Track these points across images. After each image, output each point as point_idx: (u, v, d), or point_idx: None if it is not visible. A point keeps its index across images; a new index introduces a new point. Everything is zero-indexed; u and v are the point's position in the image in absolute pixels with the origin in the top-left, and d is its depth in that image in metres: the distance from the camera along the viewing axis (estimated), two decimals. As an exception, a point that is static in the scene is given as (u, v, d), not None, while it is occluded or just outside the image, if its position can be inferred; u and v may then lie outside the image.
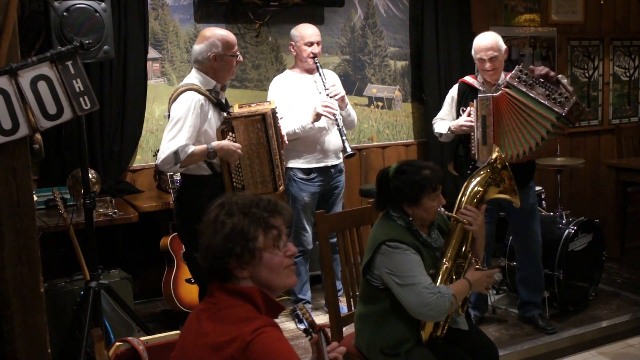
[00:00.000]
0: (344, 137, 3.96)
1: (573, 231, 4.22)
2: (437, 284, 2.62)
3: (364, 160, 5.54)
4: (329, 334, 2.03)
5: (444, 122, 4.06)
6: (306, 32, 4.13)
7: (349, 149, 3.93)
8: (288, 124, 3.99)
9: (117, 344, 2.36)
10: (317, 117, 3.98)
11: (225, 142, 3.30)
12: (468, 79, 4.04)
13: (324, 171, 4.20)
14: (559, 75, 3.66)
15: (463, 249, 2.74)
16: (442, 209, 2.71)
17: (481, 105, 3.77)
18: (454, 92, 4.09)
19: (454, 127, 3.94)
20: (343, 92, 4.10)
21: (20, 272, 2.52)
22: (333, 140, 4.17)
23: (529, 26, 6.24)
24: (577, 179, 6.63)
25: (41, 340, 2.59)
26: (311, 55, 4.10)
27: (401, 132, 5.70)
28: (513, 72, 3.72)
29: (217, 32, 3.36)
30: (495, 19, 6.07)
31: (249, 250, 1.76)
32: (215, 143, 3.27)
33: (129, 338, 2.37)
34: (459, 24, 5.67)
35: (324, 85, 4.05)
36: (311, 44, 4.11)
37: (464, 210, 2.74)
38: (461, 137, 4.02)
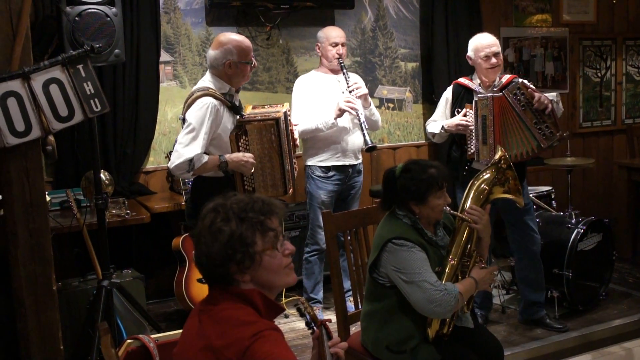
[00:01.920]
0: (365, 132, 4.02)
1: (582, 231, 4.22)
2: (443, 282, 2.66)
3: (375, 161, 5.58)
4: (330, 329, 2.04)
5: (437, 123, 4.06)
6: (331, 33, 4.25)
7: (369, 141, 4.00)
8: (311, 121, 4.09)
9: (129, 341, 2.40)
10: (340, 112, 4.04)
11: (236, 155, 3.33)
12: (463, 80, 4.06)
13: (342, 170, 4.25)
14: (553, 95, 3.78)
15: (468, 247, 2.76)
16: (448, 208, 2.74)
17: (481, 105, 3.80)
18: (448, 93, 4.10)
19: (448, 125, 3.93)
20: (366, 91, 4.17)
21: (34, 270, 2.59)
22: (353, 140, 4.24)
23: (540, 26, 6.23)
24: (590, 178, 6.61)
25: (54, 337, 2.65)
26: (336, 55, 4.20)
27: (412, 133, 5.72)
28: (512, 85, 3.81)
29: (233, 38, 3.38)
30: (506, 20, 6.07)
31: (249, 256, 1.77)
32: (228, 155, 3.32)
33: (140, 336, 2.42)
34: (469, 25, 5.68)
35: (347, 84, 4.13)
36: (336, 44, 4.21)
37: (470, 210, 2.77)
38: (454, 138, 4.03)
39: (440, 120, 4.07)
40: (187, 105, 3.35)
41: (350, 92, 4.09)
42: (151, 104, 4.68)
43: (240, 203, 1.82)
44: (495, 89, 3.90)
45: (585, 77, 6.52)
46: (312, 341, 1.99)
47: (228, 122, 3.40)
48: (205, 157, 3.26)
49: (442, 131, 3.97)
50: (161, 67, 4.75)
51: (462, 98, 3.99)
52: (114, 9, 3.31)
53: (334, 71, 4.28)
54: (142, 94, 4.62)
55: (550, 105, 3.71)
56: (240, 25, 5.00)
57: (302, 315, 2.00)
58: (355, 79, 4.30)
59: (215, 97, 3.31)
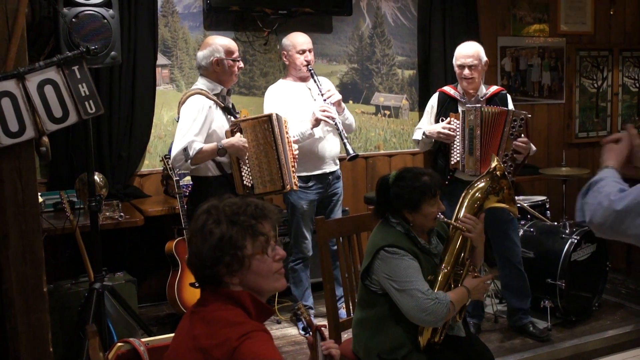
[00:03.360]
0: (345, 140, 3.96)
1: (576, 241, 4.21)
2: (436, 290, 2.65)
3: (371, 168, 5.57)
4: (325, 333, 2.05)
5: (420, 130, 4.04)
6: (298, 40, 4.16)
7: (351, 151, 3.93)
8: None
9: (119, 344, 2.39)
10: (317, 122, 3.98)
11: (235, 139, 3.45)
12: (447, 89, 4.05)
13: (322, 178, 4.20)
14: (534, 149, 3.84)
15: (461, 256, 2.76)
16: (442, 216, 2.74)
17: (468, 116, 3.79)
18: (433, 101, 4.08)
19: (429, 132, 3.92)
20: (339, 97, 4.11)
21: (24, 271, 2.58)
22: (329, 146, 4.20)
23: (538, 36, 6.25)
24: (585, 189, 6.60)
25: (43, 339, 2.64)
26: (304, 63, 4.12)
27: (408, 140, 5.72)
28: (519, 111, 3.82)
29: (219, 39, 3.60)
30: (504, 29, 6.09)
31: (238, 259, 1.78)
32: (225, 140, 3.45)
33: (130, 339, 2.41)
34: (466, 34, 5.67)
35: (320, 91, 4.06)
36: (303, 51, 4.13)
37: (464, 218, 2.77)
38: (440, 147, 4.00)
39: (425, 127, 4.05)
40: (181, 104, 3.52)
41: (324, 99, 4.02)
42: (147, 106, 4.68)
43: (233, 206, 1.83)
44: (481, 99, 3.92)
45: (581, 87, 6.54)
46: (305, 348, 2.01)
47: (222, 121, 3.53)
48: (200, 144, 3.38)
49: (424, 137, 3.95)
50: (158, 70, 4.75)
51: (447, 107, 3.97)
52: (111, 11, 3.30)
53: (303, 79, 4.21)
54: (138, 96, 4.62)
55: (522, 157, 3.80)
56: (238, 30, 5.00)
57: (298, 320, 2.00)
58: (327, 84, 4.25)
59: (208, 97, 3.48)
